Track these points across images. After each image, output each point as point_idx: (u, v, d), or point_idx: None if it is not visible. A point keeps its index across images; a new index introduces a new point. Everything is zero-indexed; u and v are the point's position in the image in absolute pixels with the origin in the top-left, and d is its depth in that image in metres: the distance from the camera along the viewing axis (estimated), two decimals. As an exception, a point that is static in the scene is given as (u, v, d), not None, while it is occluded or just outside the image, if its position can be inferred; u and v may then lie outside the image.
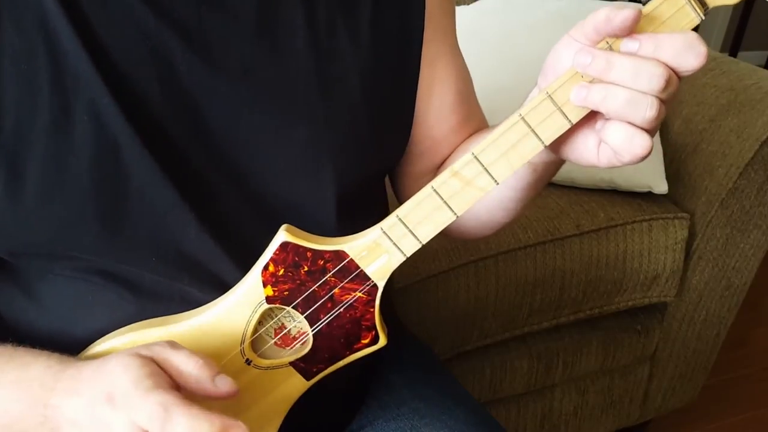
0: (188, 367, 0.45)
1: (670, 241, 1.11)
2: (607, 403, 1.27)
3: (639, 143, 0.43)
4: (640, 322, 1.21)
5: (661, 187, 1.12)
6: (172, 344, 0.47)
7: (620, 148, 0.44)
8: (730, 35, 3.05)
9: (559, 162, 0.53)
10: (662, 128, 1.21)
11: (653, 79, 0.41)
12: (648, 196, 1.14)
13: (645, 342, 1.21)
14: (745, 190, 1.10)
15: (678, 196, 1.16)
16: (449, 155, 0.65)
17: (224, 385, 0.44)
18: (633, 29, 0.42)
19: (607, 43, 0.43)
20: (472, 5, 1.33)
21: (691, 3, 0.42)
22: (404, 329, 0.80)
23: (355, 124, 0.55)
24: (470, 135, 0.65)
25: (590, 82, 0.44)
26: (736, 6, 2.99)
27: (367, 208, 0.61)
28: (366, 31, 0.55)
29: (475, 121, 0.66)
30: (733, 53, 3.03)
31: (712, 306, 1.21)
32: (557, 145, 0.49)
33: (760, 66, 1.29)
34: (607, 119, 0.44)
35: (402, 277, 0.97)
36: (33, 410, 0.47)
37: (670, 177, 1.14)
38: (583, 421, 1.26)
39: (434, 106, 0.61)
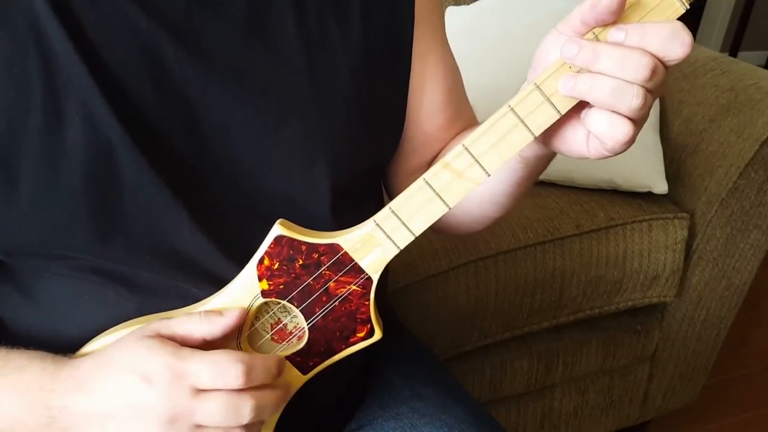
0: (195, 323, 0.48)
1: (670, 241, 1.11)
2: (607, 403, 1.27)
3: (621, 129, 0.43)
4: (640, 322, 1.21)
5: (661, 187, 1.12)
6: (165, 318, 0.49)
7: (603, 134, 0.44)
8: (730, 35, 3.05)
9: (551, 155, 0.53)
10: (662, 128, 1.21)
11: (639, 69, 0.42)
12: (648, 196, 1.14)
13: (645, 342, 1.21)
14: (745, 190, 1.10)
15: (678, 196, 1.16)
16: (440, 152, 0.65)
17: (232, 314, 0.49)
18: (619, 14, 0.42)
19: (594, 34, 0.43)
20: (471, 5, 1.33)
21: None
22: (404, 329, 0.80)
23: (347, 119, 0.55)
24: (460, 131, 0.66)
25: (578, 72, 0.44)
26: (736, 6, 2.99)
27: (362, 202, 0.61)
28: (356, 26, 0.55)
29: (465, 117, 0.66)
30: (733, 53, 3.03)
31: (712, 306, 1.21)
32: (548, 138, 0.49)
33: (760, 66, 1.29)
34: (590, 107, 0.45)
35: (402, 277, 0.97)
36: (34, 413, 0.47)
37: (670, 177, 1.14)
38: (583, 421, 1.26)
39: (426, 102, 0.62)
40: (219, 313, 0.49)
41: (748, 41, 3.03)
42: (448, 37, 0.65)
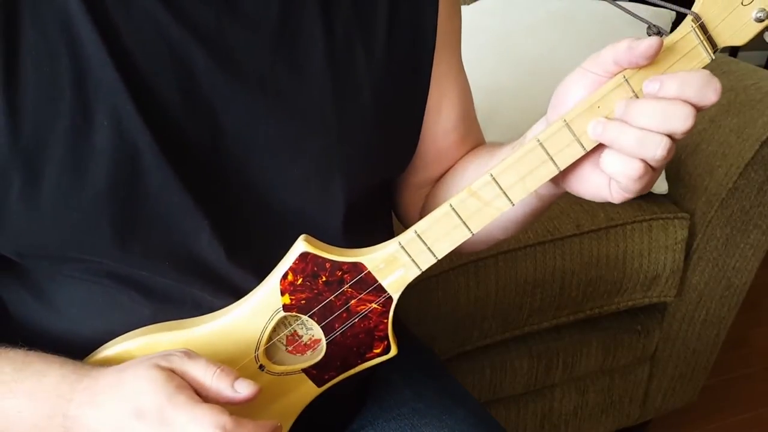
0: (207, 378, 0.45)
1: (670, 241, 1.11)
2: (607, 403, 1.27)
3: (633, 167, 0.44)
4: (640, 322, 1.21)
5: (661, 187, 1.12)
6: (189, 354, 0.47)
7: (616, 173, 0.45)
8: (730, 35, 3.05)
9: (563, 192, 0.54)
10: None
11: (684, 120, 0.42)
12: (648, 196, 1.14)
13: (645, 342, 1.21)
14: (745, 190, 1.10)
15: (678, 196, 1.16)
16: (449, 168, 0.66)
17: (244, 389, 0.46)
18: (653, 60, 0.43)
19: (624, 78, 0.44)
20: (472, 5, 1.33)
21: (703, 43, 0.43)
22: (404, 329, 0.80)
23: (366, 136, 0.56)
24: (470, 150, 0.67)
25: (607, 117, 0.45)
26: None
27: (372, 216, 0.62)
28: (380, 46, 0.56)
29: (474, 136, 0.67)
30: (733, 53, 3.03)
31: (712, 306, 1.21)
32: (567, 180, 0.50)
33: (760, 66, 1.29)
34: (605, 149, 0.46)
35: (402, 277, 0.97)
36: (52, 420, 0.47)
37: (670, 177, 1.14)
38: (583, 421, 1.26)
39: (441, 121, 0.63)
40: (233, 378, 0.46)
41: (748, 41, 3.02)
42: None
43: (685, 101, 0.43)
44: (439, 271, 0.99)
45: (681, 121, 0.42)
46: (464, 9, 1.31)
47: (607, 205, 1.11)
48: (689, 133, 0.43)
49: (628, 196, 0.47)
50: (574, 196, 1.14)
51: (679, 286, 1.17)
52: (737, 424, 1.50)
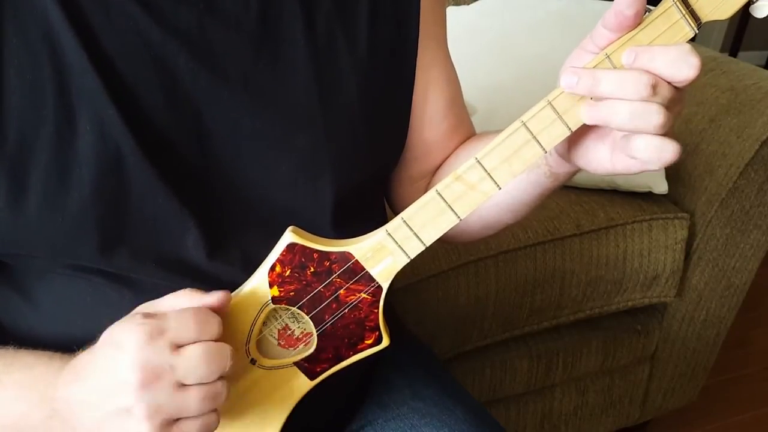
0: (179, 299, 0.46)
1: (670, 241, 1.11)
2: (607, 403, 1.27)
3: (669, 149, 0.43)
4: (640, 322, 1.21)
5: (661, 187, 1.12)
6: (147, 303, 0.47)
7: (650, 159, 0.44)
8: (730, 35, 3.05)
9: (577, 170, 0.53)
10: (662, 128, 1.21)
11: (639, 87, 0.42)
12: (648, 196, 1.14)
13: (645, 342, 1.21)
14: (745, 190, 1.10)
15: (678, 196, 1.16)
16: (442, 162, 0.66)
17: (216, 294, 0.46)
18: (639, 16, 0.42)
19: (606, 54, 0.44)
20: (472, 5, 1.33)
21: (685, 17, 0.43)
22: (404, 329, 0.80)
23: (353, 131, 0.56)
24: (461, 143, 0.66)
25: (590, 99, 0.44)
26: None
27: (363, 211, 0.62)
28: (363, 40, 0.56)
29: (464, 128, 0.67)
30: (733, 53, 3.03)
31: (712, 306, 1.21)
32: (572, 155, 0.50)
33: (760, 66, 1.29)
34: (629, 135, 0.45)
35: (402, 277, 0.97)
36: (40, 407, 0.47)
37: (670, 177, 1.14)
38: (583, 421, 1.26)
39: (428, 112, 0.63)
40: (203, 291, 0.47)
41: (748, 41, 3.02)
42: (448, 38, 0.66)
43: (646, 71, 0.42)
44: (439, 271, 0.99)
45: (633, 88, 0.42)
46: (464, 9, 1.31)
47: (607, 205, 1.11)
48: (662, 100, 0.42)
49: (635, 171, 0.46)
50: (575, 196, 1.15)
51: (679, 286, 1.17)
52: (737, 424, 1.49)
